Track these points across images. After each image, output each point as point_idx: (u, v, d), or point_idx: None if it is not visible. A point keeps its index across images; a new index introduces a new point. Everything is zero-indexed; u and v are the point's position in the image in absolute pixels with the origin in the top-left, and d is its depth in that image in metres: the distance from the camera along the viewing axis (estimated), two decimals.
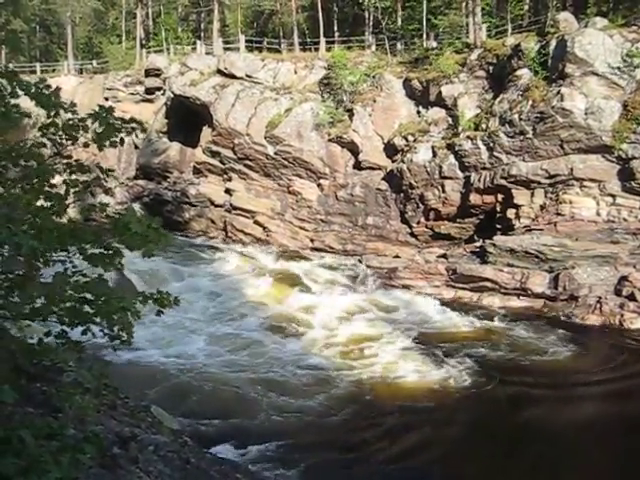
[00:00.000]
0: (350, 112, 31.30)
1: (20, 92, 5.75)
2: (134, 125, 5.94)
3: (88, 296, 5.27)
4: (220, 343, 19.11)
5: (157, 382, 15.66)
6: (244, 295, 23.70)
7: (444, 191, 27.53)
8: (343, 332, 20.50)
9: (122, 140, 5.92)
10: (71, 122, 5.80)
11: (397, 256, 27.51)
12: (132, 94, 39.84)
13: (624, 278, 21.33)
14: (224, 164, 33.45)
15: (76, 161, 6.08)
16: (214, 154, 33.56)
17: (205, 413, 14.26)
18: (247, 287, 24.59)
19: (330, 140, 31.14)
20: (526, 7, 36.21)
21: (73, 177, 5.93)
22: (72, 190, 5.83)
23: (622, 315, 20.53)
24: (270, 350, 18.78)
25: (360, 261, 27.26)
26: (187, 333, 19.63)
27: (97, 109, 5.81)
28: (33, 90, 5.69)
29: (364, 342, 19.58)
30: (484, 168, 26.31)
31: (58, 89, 5.92)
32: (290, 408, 15.03)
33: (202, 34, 49.68)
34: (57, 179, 5.99)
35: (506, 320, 21.46)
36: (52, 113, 5.78)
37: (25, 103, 5.92)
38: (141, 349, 17.29)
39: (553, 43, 25.32)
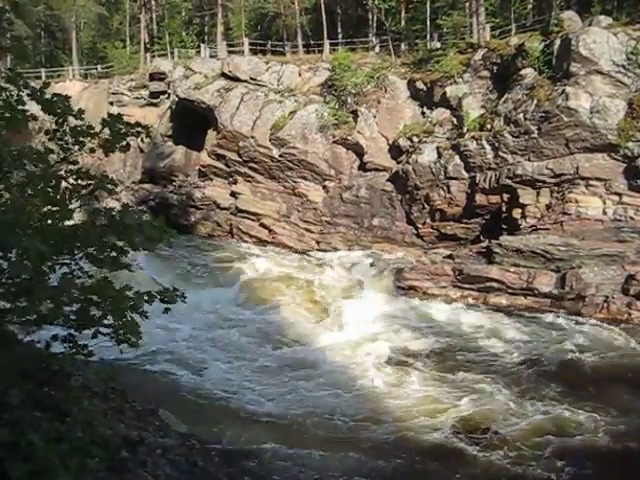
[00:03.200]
0: (354, 113, 31.31)
1: (27, 98, 5.79)
2: (140, 130, 5.96)
3: (95, 298, 5.29)
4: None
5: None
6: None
7: (449, 192, 27.49)
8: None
9: (128, 145, 5.96)
10: (79, 128, 5.83)
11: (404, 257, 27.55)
12: (137, 98, 39.97)
13: (631, 277, 21.22)
14: (229, 167, 33.50)
15: (82, 169, 6.09)
16: (219, 157, 33.62)
17: None
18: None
19: (335, 142, 31.15)
20: (530, 6, 36.10)
21: (78, 182, 5.95)
22: (76, 195, 5.86)
23: (629, 314, 20.46)
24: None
25: (372, 264, 27.03)
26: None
27: (106, 117, 5.84)
28: (41, 96, 5.72)
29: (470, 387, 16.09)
30: (489, 168, 26.26)
31: (68, 97, 5.95)
32: None
33: (206, 37, 49.78)
34: (63, 184, 6.02)
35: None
36: (60, 120, 5.81)
37: (31, 107, 5.95)
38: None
39: (557, 42, 25.25)
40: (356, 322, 20.81)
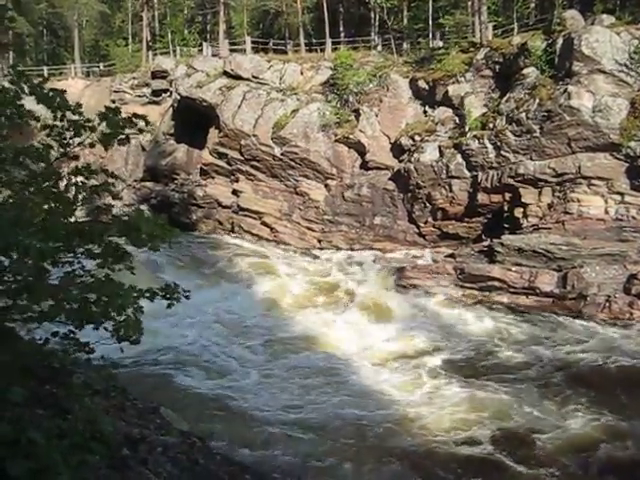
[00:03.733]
0: (356, 112, 31.29)
1: (27, 95, 5.78)
2: (140, 124, 5.95)
3: (96, 295, 5.28)
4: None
5: None
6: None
7: (451, 191, 27.48)
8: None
9: (128, 138, 5.94)
10: (77, 122, 5.83)
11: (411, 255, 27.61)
12: (139, 96, 39.95)
13: (633, 276, 21.20)
14: (231, 165, 33.48)
15: (84, 166, 6.09)
16: (221, 155, 33.61)
17: None
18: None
19: (337, 140, 31.12)
20: (532, 5, 36.11)
21: (80, 179, 5.95)
22: (81, 194, 5.86)
23: (631, 313, 20.43)
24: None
25: (374, 261, 27.03)
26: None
27: (104, 110, 5.84)
28: (39, 90, 5.72)
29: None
30: (491, 167, 26.25)
31: (63, 91, 5.94)
32: None
33: (208, 36, 49.76)
34: (64, 181, 6.02)
35: None
36: (59, 115, 5.81)
37: (33, 106, 5.95)
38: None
39: (560, 41, 25.23)
40: (376, 326, 20.50)
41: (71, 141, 5.87)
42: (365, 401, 15.29)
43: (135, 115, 5.96)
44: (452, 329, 20.46)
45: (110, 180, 6.25)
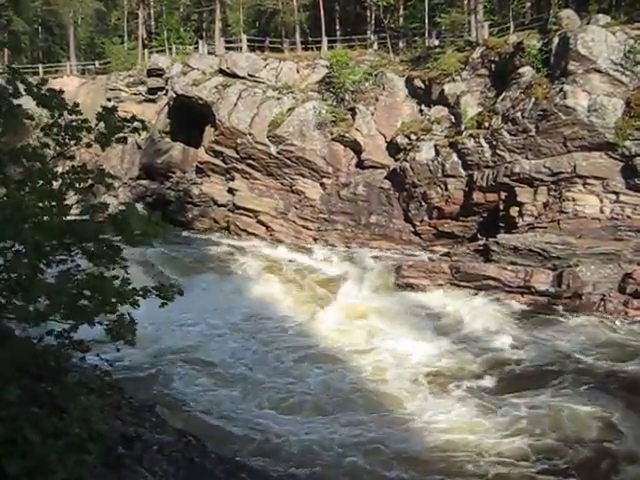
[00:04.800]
0: (352, 111, 31.29)
1: (23, 93, 5.76)
2: (137, 125, 5.94)
3: (90, 293, 5.28)
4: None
5: None
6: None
7: (447, 189, 27.51)
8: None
9: (125, 139, 5.93)
10: (74, 123, 5.81)
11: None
12: (134, 94, 39.95)
13: (628, 275, 21.22)
14: (227, 164, 33.47)
15: (79, 165, 6.08)
16: (217, 154, 33.58)
17: None
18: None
19: (333, 139, 31.13)
20: (528, 4, 36.11)
21: (75, 177, 5.94)
22: (74, 190, 5.84)
23: (626, 312, 20.48)
24: None
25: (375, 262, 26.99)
26: None
27: (101, 110, 5.82)
28: (36, 90, 5.70)
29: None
30: (487, 166, 26.28)
31: (62, 91, 5.93)
32: None
33: (204, 34, 49.72)
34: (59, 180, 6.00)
35: None
36: (56, 114, 5.79)
37: (28, 104, 5.93)
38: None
39: (555, 40, 25.27)
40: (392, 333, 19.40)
41: (68, 141, 5.86)
42: (404, 425, 13.63)
43: (133, 118, 5.95)
44: (471, 335, 19.20)
45: (106, 179, 6.24)
